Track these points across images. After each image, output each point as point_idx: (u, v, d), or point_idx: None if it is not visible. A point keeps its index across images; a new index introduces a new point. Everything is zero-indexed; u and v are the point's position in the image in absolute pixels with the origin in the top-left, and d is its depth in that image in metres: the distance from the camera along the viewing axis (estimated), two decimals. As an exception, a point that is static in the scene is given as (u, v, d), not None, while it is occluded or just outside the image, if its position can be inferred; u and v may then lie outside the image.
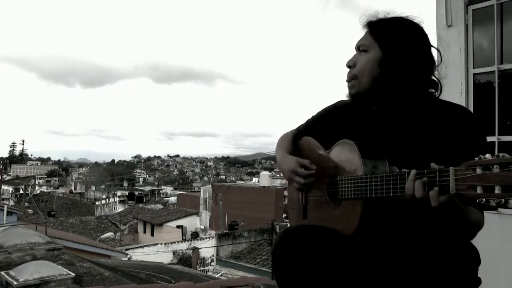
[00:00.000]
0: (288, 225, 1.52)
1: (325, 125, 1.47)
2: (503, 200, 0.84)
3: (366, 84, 1.25)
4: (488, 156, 0.87)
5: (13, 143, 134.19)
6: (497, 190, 0.84)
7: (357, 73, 1.26)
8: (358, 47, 1.28)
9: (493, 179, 0.85)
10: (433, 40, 1.28)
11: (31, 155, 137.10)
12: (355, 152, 1.20)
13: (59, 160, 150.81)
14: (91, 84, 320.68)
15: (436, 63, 1.26)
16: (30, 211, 30.55)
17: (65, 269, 2.72)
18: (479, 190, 0.87)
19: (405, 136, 1.23)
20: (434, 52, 1.27)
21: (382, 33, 1.23)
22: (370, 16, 1.28)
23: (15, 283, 2.43)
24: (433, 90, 1.27)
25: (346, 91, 1.32)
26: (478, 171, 0.87)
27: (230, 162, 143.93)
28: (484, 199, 0.86)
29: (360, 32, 1.32)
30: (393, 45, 1.21)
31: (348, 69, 1.30)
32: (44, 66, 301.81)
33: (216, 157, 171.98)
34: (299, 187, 1.38)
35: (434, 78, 1.27)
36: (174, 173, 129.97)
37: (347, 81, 1.30)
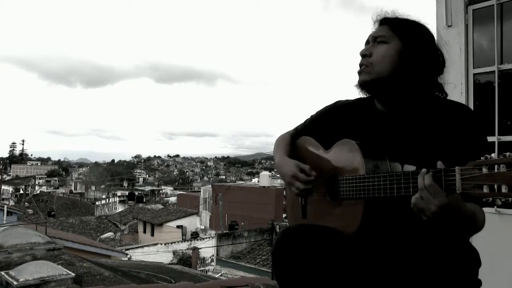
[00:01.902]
0: (288, 225, 1.52)
1: (325, 124, 1.46)
2: (510, 199, 0.85)
3: (384, 72, 1.24)
4: (494, 155, 0.88)
5: (13, 143, 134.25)
6: (503, 189, 0.85)
7: (374, 61, 1.26)
8: (374, 38, 1.28)
9: (499, 178, 0.85)
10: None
11: (31, 155, 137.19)
12: (356, 152, 1.20)
13: (59, 160, 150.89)
14: (92, 84, 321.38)
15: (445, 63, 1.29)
16: (30, 211, 30.50)
17: (65, 269, 2.72)
18: (485, 189, 0.87)
19: (407, 134, 1.23)
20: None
21: (402, 27, 1.26)
22: (386, 12, 1.31)
23: (15, 283, 2.43)
24: (439, 92, 1.28)
25: (357, 78, 1.30)
26: (484, 170, 0.88)
27: (230, 162, 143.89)
28: (490, 198, 0.87)
29: (368, 28, 1.34)
30: (412, 38, 1.24)
31: (362, 57, 1.29)
32: (45, 66, 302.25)
33: (216, 157, 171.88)
34: (298, 192, 1.35)
35: (440, 81, 1.30)
36: (174, 173, 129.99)
37: (360, 67, 1.29)
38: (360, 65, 1.29)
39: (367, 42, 1.31)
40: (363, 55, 1.28)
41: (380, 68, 1.24)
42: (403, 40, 1.24)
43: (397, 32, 1.25)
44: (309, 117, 1.55)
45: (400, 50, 1.23)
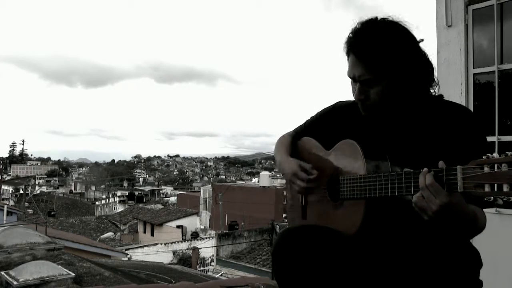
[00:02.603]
0: (288, 225, 1.52)
1: (325, 125, 1.47)
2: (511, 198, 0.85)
3: (384, 104, 1.24)
4: (495, 155, 0.88)
5: (13, 143, 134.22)
6: (505, 188, 0.85)
7: (372, 103, 1.23)
8: (361, 81, 1.22)
9: (501, 177, 0.86)
10: (432, 40, 1.27)
11: (31, 155, 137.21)
12: (357, 152, 1.20)
13: (59, 160, 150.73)
14: (93, 84, 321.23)
15: (431, 61, 1.26)
16: (30, 211, 30.52)
17: (65, 269, 2.71)
18: (487, 188, 0.88)
19: (407, 136, 1.23)
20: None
21: (382, 65, 1.17)
22: (356, 40, 1.21)
23: (15, 283, 2.42)
24: (432, 89, 1.27)
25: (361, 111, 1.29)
26: (486, 169, 0.88)
27: (230, 162, 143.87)
28: (492, 197, 0.87)
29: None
30: (397, 71, 1.18)
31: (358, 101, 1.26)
32: (46, 66, 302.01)
33: (216, 157, 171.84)
34: (299, 190, 1.38)
35: (432, 78, 1.27)
36: (174, 173, 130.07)
37: (362, 108, 1.27)
38: (360, 106, 1.27)
39: (353, 78, 1.24)
40: (360, 100, 1.25)
41: (380, 105, 1.24)
42: (389, 79, 1.18)
43: (379, 72, 1.18)
44: (309, 118, 1.56)
45: (389, 87, 1.20)
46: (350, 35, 1.23)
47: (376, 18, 1.22)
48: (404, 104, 1.24)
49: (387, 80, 1.19)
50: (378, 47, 1.16)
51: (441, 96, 1.28)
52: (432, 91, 1.27)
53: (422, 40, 1.23)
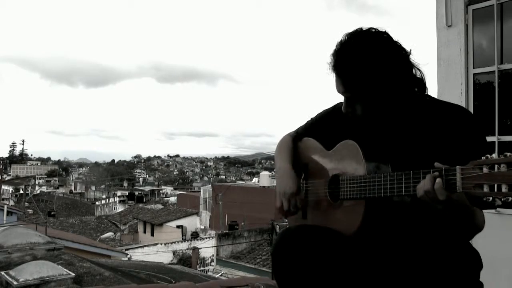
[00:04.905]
0: (288, 225, 1.52)
1: (325, 126, 1.47)
2: (510, 198, 0.85)
3: (369, 118, 1.26)
4: (494, 155, 0.89)
5: (13, 143, 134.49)
6: (504, 189, 0.85)
7: (359, 115, 1.26)
8: (346, 98, 1.26)
9: (500, 178, 0.86)
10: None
11: (31, 155, 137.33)
12: (358, 153, 1.20)
13: (59, 160, 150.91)
14: (94, 84, 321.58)
15: (415, 64, 1.23)
16: (30, 211, 30.52)
17: (65, 269, 2.72)
18: (485, 189, 0.88)
19: (407, 137, 1.23)
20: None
21: (359, 85, 1.18)
22: (336, 59, 1.21)
23: (15, 283, 2.42)
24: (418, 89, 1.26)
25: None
26: (485, 170, 0.88)
27: (230, 162, 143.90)
28: (490, 198, 0.87)
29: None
30: (377, 89, 1.18)
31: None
32: (47, 66, 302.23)
33: (216, 157, 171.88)
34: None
35: (418, 76, 1.25)
36: (174, 173, 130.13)
37: (352, 119, 1.30)
38: (350, 116, 1.30)
39: (339, 93, 1.27)
40: (347, 112, 1.28)
41: (366, 117, 1.25)
42: (369, 92, 1.19)
43: (360, 89, 1.19)
44: (309, 119, 1.57)
45: (373, 98, 1.20)
46: (333, 50, 1.23)
47: (360, 31, 1.21)
48: (398, 109, 1.24)
49: (368, 97, 1.20)
50: (356, 67, 1.17)
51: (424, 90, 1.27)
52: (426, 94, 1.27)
53: (410, 51, 1.21)
